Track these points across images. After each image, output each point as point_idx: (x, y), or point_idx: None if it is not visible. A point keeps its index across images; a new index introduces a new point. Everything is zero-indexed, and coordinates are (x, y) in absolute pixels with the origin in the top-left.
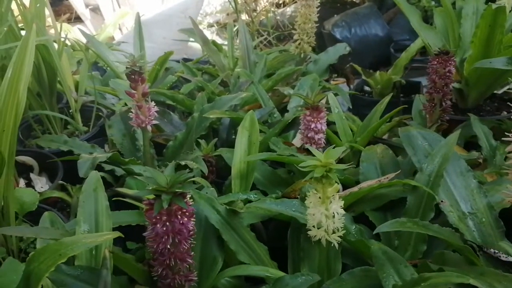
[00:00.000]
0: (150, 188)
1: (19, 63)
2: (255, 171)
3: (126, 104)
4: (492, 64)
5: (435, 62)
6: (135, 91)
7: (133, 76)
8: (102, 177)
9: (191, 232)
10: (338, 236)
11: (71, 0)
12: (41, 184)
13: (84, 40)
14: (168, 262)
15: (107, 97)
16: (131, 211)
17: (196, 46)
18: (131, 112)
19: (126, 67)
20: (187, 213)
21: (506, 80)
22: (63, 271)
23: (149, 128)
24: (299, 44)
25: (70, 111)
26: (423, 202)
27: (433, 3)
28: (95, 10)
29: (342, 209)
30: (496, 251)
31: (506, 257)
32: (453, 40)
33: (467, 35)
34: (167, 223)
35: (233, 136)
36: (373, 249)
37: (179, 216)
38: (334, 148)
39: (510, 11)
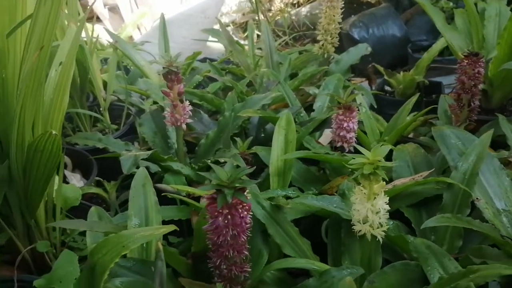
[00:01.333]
0: (213, 183)
1: (68, 63)
2: (291, 172)
3: (155, 103)
4: None
5: (465, 63)
6: (171, 91)
7: (169, 76)
8: None
9: (248, 225)
10: (382, 231)
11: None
12: (76, 180)
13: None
14: (226, 253)
15: (132, 96)
16: (171, 206)
17: (215, 46)
18: (167, 110)
19: (163, 67)
20: (246, 207)
21: None
22: (117, 263)
23: (183, 126)
24: (323, 44)
25: (101, 109)
26: (459, 199)
27: (451, 4)
28: (112, 9)
29: (387, 205)
30: None
31: None
32: (477, 41)
33: (490, 36)
34: (228, 217)
35: (262, 135)
36: (416, 243)
37: (239, 210)
38: (381, 146)
39: None
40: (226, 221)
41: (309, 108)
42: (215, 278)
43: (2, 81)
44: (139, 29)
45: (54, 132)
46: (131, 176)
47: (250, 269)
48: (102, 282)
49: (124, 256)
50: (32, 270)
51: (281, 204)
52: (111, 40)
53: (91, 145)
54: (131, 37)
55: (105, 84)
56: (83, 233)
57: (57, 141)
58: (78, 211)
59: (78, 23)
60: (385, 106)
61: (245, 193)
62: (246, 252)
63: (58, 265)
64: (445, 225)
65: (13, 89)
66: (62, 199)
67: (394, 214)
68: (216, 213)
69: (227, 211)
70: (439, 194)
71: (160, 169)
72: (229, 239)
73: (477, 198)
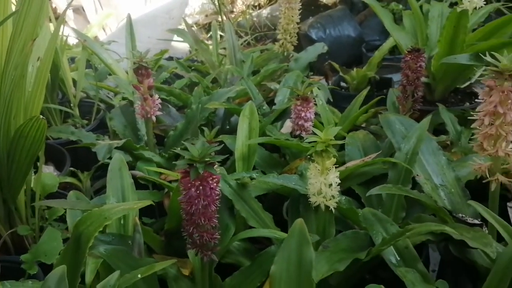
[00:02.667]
0: (186, 158)
1: (47, 58)
2: (254, 156)
3: (124, 99)
4: (456, 60)
5: (408, 58)
6: (141, 85)
7: (140, 71)
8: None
9: (217, 196)
10: (334, 202)
11: (54, 0)
12: (49, 172)
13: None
14: (198, 221)
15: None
16: (144, 191)
17: (179, 46)
18: (137, 103)
19: (134, 63)
20: (216, 179)
21: (468, 75)
22: (97, 238)
23: (153, 118)
24: (283, 43)
25: (71, 105)
26: (402, 176)
27: (400, 6)
28: (76, 10)
29: (338, 179)
30: (464, 216)
31: (472, 220)
32: (421, 40)
33: (433, 35)
34: (200, 187)
35: (227, 127)
36: (364, 212)
37: (209, 182)
38: (331, 127)
39: (471, 13)
40: (198, 192)
41: (270, 103)
42: (187, 246)
43: None
44: (104, 30)
45: (41, 116)
46: (103, 167)
47: (219, 236)
48: (87, 249)
49: (103, 232)
50: (11, 253)
51: (246, 182)
52: (76, 41)
53: (64, 138)
54: (96, 38)
55: (74, 82)
56: (60, 219)
57: (42, 126)
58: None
59: (53, 23)
60: (340, 100)
61: (214, 167)
62: (216, 221)
63: (43, 241)
64: (390, 199)
65: None
66: (40, 186)
67: (347, 192)
68: (189, 185)
69: (199, 182)
70: (385, 173)
71: (131, 159)
72: (200, 207)
73: (417, 175)
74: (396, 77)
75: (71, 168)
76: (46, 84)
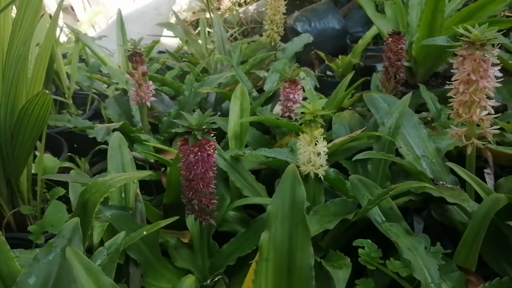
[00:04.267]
0: (184, 126)
1: (47, 42)
2: (246, 134)
3: (116, 90)
4: (435, 42)
5: (390, 41)
6: (135, 72)
7: (134, 58)
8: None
9: (214, 163)
10: (323, 170)
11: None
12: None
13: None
14: (197, 186)
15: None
16: (142, 170)
17: (168, 42)
18: (132, 89)
19: (128, 50)
20: (212, 146)
21: (447, 58)
22: (100, 209)
23: (148, 104)
24: (270, 34)
25: (66, 96)
26: (385, 149)
27: None
28: (65, 10)
29: (326, 148)
30: (444, 183)
31: (451, 186)
32: (402, 27)
33: (413, 22)
34: (198, 153)
35: (219, 112)
36: (350, 178)
37: (207, 148)
38: (318, 99)
39: (449, 1)
40: (196, 158)
41: (260, 91)
42: (186, 212)
43: None
44: (93, 27)
45: (46, 91)
46: (99, 153)
47: (216, 202)
48: (93, 214)
49: (105, 205)
50: (14, 232)
51: (239, 155)
52: (66, 39)
53: (61, 126)
54: (86, 35)
55: (67, 76)
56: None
57: (47, 101)
58: (55, 183)
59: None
60: (327, 87)
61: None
62: (213, 187)
63: (49, 213)
64: (376, 170)
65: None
66: (41, 168)
67: (334, 167)
68: (188, 152)
69: (197, 149)
70: (370, 146)
71: (128, 142)
72: (199, 173)
73: (400, 147)
74: (380, 66)
75: (69, 154)
76: None
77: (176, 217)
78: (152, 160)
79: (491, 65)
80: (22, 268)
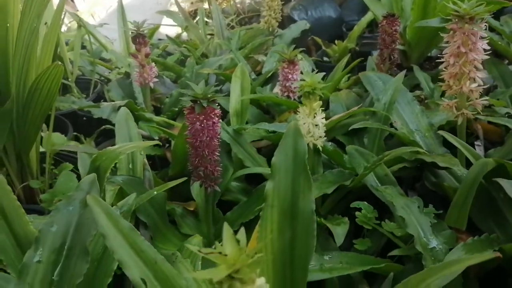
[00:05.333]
0: (190, 96)
1: (56, 20)
2: (247, 112)
3: (119, 74)
4: (428, 23)
5: (384, 23)
6: (138, 53)
7: (137, 39)
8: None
9: (219, 132)
10: (321, 141)
11: None
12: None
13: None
14: (202, 153)
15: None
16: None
17: (166, 31)
18: (135, 71)
19: (132, 32)
20: (217, 114)
21: (440, 40)
22: (109, 178)
23: (151, 85)
24: (267, 20)
25: (69, 80)
26: (381, 123)
27: None
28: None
29: (324, 120)
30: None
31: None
32: (397, 11)
33: (408, 6)
34: (204, 121)
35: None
36: (348, 148)
37: (212, 116)
38: (316, 73)
39: None
40: (202, 125)
41: (259, 76)
42: (192, 179)
43: (6, 30)
44: (93, 17)
45: (59, 62)
46: (104, 133)
47: (221, 169)
48: (105, 179)
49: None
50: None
51: (241, 129)
52: (66, 28)
53: (66, 107)
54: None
55: (70, 61)
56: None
57: (59, 73)
58: (62, 160)
59: None
60: (323, 71)
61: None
62: (218, 154)
63: (60, 182)
64: (371, 143)
65: (12, 40)
66: (50, 144)
67: (332, 142)
68: (194, 119)
69: (203, 117)
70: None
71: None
72: (204, 140)
73: (394, 121)
74: (375, 53)
75: (74, 133)
76: None
77: (184, 178)
78: (157, 137)
79: (479, 38)
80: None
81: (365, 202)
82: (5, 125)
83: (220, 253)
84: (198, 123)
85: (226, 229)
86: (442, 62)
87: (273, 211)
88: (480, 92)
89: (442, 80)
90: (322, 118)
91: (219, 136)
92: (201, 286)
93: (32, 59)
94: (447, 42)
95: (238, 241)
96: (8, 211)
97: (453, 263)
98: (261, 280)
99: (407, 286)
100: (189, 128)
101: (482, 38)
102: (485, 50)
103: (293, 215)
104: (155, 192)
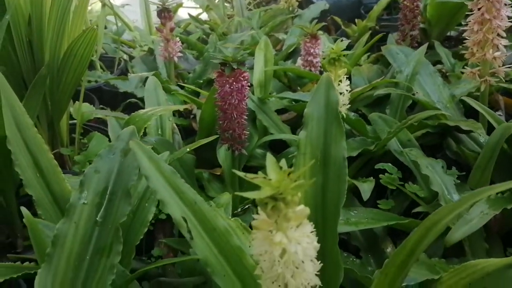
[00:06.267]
0: (220, 59)
1: None
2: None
3: (142, 51)
4: None
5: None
6: (163, 27)
7: (163, 14)
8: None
9: (247, 95)
10: (346, 109)
11: None
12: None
13: None
14: (231, 116)
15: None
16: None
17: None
18: (160, 45)
19: (157, 6)
20: (246, 77)
21: (460, 19)
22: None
23: (175, 59)
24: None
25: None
26: (403, 95)
27: None
28: None
29: (349, 87)
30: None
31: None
32: None
33: None
34: (233, 83)
35: None
36: (371, 116)
37: (241, 78)
38: (341, 41)
39: None
40: (231, 87)
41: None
42: (220, 142)
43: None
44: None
45: (95, 26)
46: (129, 107)
47: (248, 133)
48: (139, 138)
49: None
50: None
51: (265, 98)
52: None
53: (92, 82)
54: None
55: None
56: None
57: (93, 38)
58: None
59: None
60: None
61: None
62: (245, 118)
63: (92, 145)
64: (393, 114)
65: (46, 9)
66: (80, 113)
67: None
68: (223, 82)
69: (232, 79)
70: (388, 94)
71: None
72: (233, 102)
73: (416, 92)
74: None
75: (101, 106)
76: None
77: (215, 136)
78: (182, 109)
79: (503, 5)
80: (71, 189)
81: (389, 164)
82: (39, 92)
83: (264, 177)
84: (227, 85)
85: (269, 158)
86: (462, 41)
87: (306, 159)
88: (502, 60)
89: (463, 57)
90: (347, 85)
91: (246, 100)
92: (236, 230)
93: (65, 28)
94: (471, 11)
95: (280, 168)
96: (46, 169)
97: (478, 192)
98: (301, 206)
99: (439, 214)
100: (218, 91)
101: (506, 5)
102: (508, 18)
103: (325, 161)
104: (188, 149)
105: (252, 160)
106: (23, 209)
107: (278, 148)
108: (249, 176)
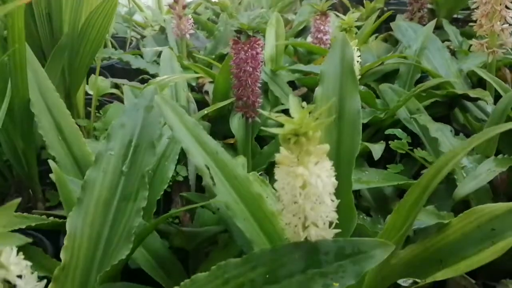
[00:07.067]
0: (236, 27)
1: None
2: (281, 58)
3: (153, 30)
4: None
5: None
6: (176, 4)
7: None
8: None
9: (261, 63)
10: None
11: None
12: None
13: None
14: (245, 83)
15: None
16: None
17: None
18: (173, 22)
19: None
20: (261, 45)
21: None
22: None
23: (187, 36)
24: None
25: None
26: (411, 70)
27: None
28: None
29: (359, 58)
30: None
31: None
32: None
33: None
34: (248, 50)
35: None
36: (381, 86)
37: (256, 46)
38: (352, 13)
39: None
40: (246, 55)
41: None
42: (234, 110)
43: None
44: None
45: None
46: (142, 82)
47: (261, 101)
48: None
49: None
50: None
51: (277, 69)
52: None
53: (106, 57)
54: None
55: None
56: None
57: (112, 9)
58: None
59: None
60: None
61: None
62: (259, 86)
63: (110, 113)
64: (403, 86)
65: None
66: (95, 88)
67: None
68: (239, 49)
69: (248, 46)
70: (397, 69)
71: None
72: (248, 69)
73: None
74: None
75: (115, 80)
76: None
77: (232, 99)
78: (194, 84)
79: None
80: (91, 153)
81: (399, 129)
82: (58, 63)
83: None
84: (243, 52)
85: (292, 99)
86: (468, 22)
87: (321, 114)
88: (510, 32)
89: (470, 35)
90: (358, 57)
91: (260, 68)
92: (252, 183)
93: (83, 0)
94: None
95: (303, 107)
96: (67, 133)
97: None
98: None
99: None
100: (233, 59)
101: None
102: None
103: (340, 115)
104: (206, 111)
105: (264, 130)
106: (51, 162)
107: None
108: (274, 115)
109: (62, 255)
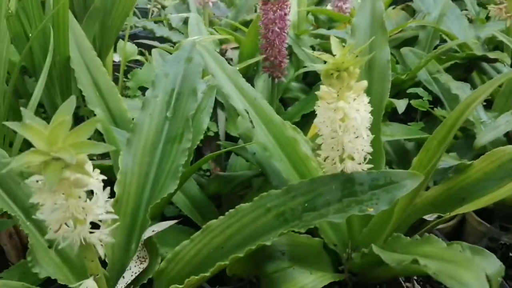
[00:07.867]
0: None
1: None
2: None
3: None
4: None
5: None
6: None
7: None
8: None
9: (288, 24)
10: None
11: None
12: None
13: None
14: (273, 42)
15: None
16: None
17: None
18: None
19: None
20: (289, 5)
21: None
22: None
23: (210, 4)
24: None
25: None
26: (430, 36)
27: None
28: None
29: None
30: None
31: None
32: None
33: None
34: (277, 11)
35: None
36: (402, 49)
37: (284, 6)
38: None
39: None
40: (275, 15)
41: None
42: (261, 70)
43: None
44: None
45: None
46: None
47: (288, 61)
48: None
49: None
50: None
51: (302, 32)
52: None
53: (140, 27)
54: None
55: None
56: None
57: None
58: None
59: None
60: None
61: None
62: (286, 47)
63: (142, 72)
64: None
65: None
66: (123, 53)
67: None
68: (268, 9)
69: (276, 6)
70: (416, 36)
71: None
72: (276, 29)
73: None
74: None
75: (139, 49)
76: None
77: (261, 56)
78: (217, 50)
79: None
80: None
81: (420, 88)
82: (92, 25)
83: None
84: (271, 12)
85: (333, 39)
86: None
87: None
88: None
89: (486, 6)
90: None
91: (287, 29)
92: (288, 128)
93: None
94: None
95: (343, 46)
96: (104, 89)
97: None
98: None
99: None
100: (262, 19)
101: None
102: None
103: (370, 65)
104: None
105: (288, 92)
106: (96, 113)
107: (312, 82)
108: (316, 54)
109: (116, 189)
